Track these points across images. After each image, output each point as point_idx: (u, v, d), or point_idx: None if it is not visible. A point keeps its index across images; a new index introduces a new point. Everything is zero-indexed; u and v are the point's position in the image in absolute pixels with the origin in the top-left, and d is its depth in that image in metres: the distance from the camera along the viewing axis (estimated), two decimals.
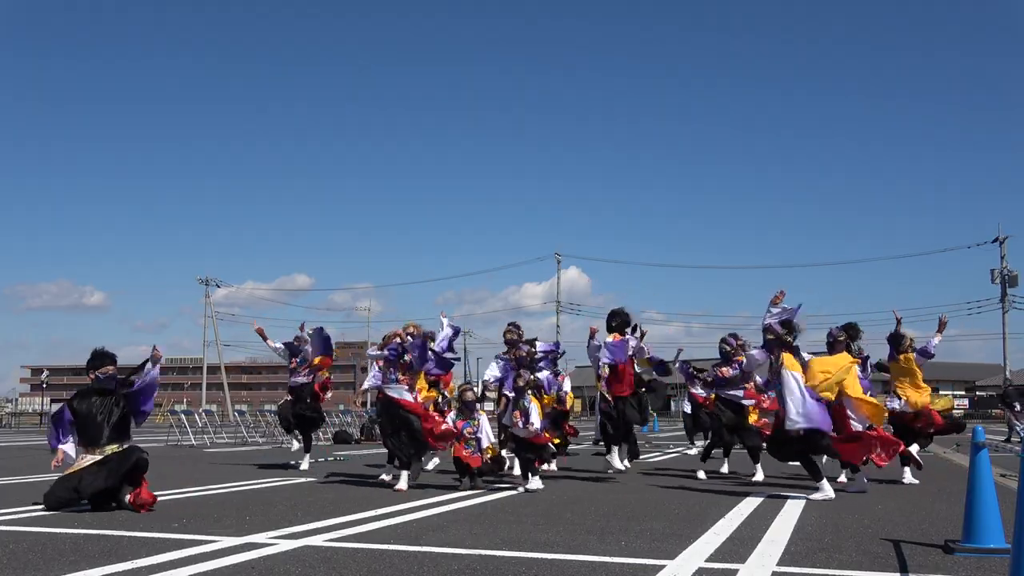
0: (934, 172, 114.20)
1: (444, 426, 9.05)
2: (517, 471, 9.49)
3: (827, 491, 7.87)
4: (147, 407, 7.51)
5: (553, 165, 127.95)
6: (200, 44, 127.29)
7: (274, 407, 34.08)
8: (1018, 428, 21.27)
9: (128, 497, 6.88)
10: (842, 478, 9.43)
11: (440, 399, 10.73)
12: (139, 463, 7.01)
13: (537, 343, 10.73)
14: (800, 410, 7.90)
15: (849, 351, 9.28)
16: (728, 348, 10.37)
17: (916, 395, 10.01)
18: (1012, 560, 3.80)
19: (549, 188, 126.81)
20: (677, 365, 11.78)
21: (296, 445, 11.97)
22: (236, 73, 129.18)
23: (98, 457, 7.02)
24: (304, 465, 11.71)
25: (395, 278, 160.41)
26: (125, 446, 7.17)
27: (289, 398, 11.96)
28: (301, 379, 11.78)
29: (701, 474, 10.34)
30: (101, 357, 7.46)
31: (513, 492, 8.44)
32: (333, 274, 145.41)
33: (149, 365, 7.42)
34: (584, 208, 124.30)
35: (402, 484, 8.65)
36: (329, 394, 12.23)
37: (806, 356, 8.48)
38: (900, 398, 10.08)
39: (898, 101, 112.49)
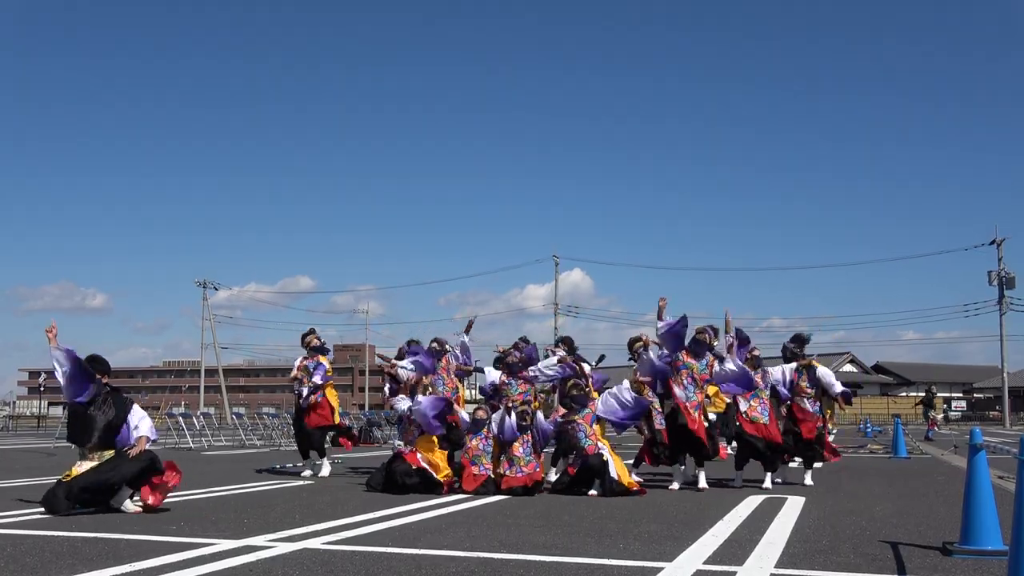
0: (932, 173, 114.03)
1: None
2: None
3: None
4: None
5: (555, 165, 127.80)
6: (200, 44, 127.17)
7: (272, 410, 33.89)
8: (931, 432, 21.72)
9: (139, 497, 6.96)
10: (767, 483, 9.32)
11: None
12: (150, 466, 6.97)
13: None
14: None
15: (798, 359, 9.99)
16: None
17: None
18: (1010, 562, 3.81)
19: (549, 188, 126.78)
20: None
21: (327, 469, 11.24)
22: (236, 73, 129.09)
23: (95, 463, 7.00)
24: (315, 471, 11.20)
25: (397, 280, 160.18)
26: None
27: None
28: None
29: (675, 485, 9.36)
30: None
31: (511, 496, 8.42)
32: (336, 277, 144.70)
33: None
34: (586, 210, 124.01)
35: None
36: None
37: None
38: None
39: (897, 101, 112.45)
